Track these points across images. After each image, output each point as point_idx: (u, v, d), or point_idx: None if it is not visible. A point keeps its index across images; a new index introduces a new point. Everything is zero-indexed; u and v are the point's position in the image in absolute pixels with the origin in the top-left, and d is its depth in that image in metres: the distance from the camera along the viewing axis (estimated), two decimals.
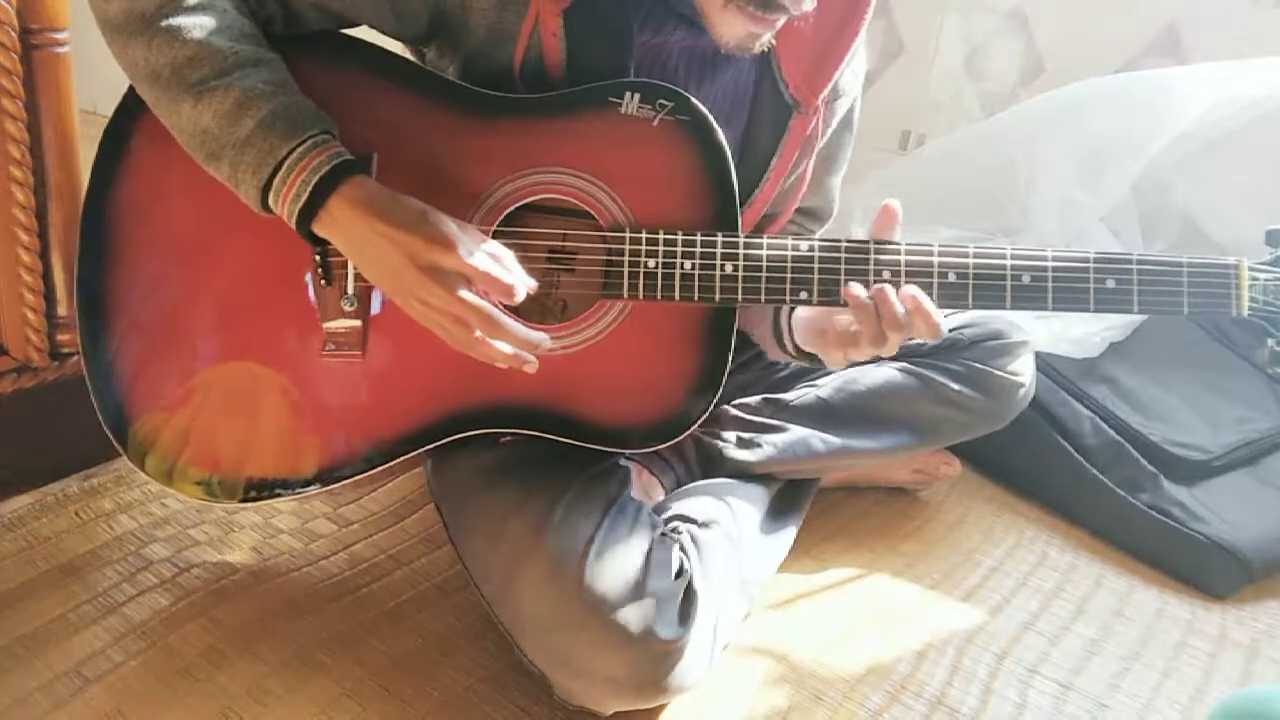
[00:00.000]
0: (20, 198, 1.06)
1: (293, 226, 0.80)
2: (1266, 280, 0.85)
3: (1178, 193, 1.62)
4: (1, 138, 1.04)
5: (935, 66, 1.98)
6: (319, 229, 0.80)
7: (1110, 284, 0.85)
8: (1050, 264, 0.85)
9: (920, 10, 1.98)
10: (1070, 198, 1.62)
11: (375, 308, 0.89)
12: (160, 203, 0.91)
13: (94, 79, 1.29)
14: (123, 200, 0.91)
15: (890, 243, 0.86)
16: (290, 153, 0.78)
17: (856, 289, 0.84)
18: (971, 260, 0.85)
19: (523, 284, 0.79)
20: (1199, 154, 1.56)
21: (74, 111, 1.09)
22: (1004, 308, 0.86)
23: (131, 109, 0.90)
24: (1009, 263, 0.85)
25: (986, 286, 0.85)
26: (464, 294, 0.78)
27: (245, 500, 0.91)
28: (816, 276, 0.86)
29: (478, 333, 0.80)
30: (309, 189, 0.78)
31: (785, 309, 1.00)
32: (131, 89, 0.90)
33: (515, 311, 0.88)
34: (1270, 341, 0.87)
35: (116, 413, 0.91)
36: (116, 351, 0.91)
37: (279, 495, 0.91)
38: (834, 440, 1.18)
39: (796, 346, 1.00)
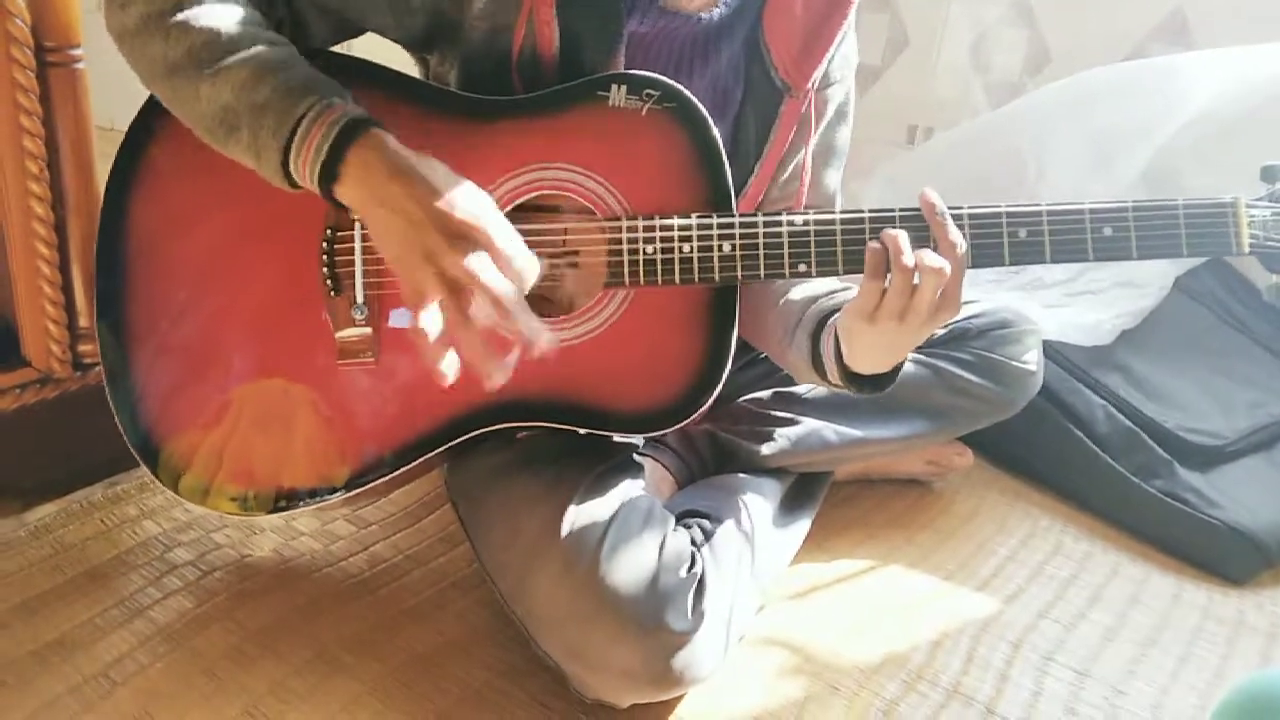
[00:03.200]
0: (39, 212, 1.09)
1: (315, 186, 0.78)
2: (1266, 216, 0.85)
3: (1188, 179, 1.61)
4: (20, 153, 1.06)
5: (941, 59, 1.98)
6: (341, 187, 0.77)
7: (1108, 231, 0.84)
8: (1045, 217, 0.85)
9: (924, 3, 1.98)
10: (1080, 187, 1.62)
11: (385, 314, 0.90)
12: (174, 228, 0.93)
13: (112, 97, 1.31)
14: (137, 227, 0.93)
15: (885, 210, 0.86)
16: (309, 110, 0.77)
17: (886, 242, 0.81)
18: (967, 220, 0.85)
19: (533, 270, 0.76)
20: (1208, 139, 1.56)
21: (91, 127, 1.12)
22: (1002, 264, 0.85)
23: (143, 131, 0.92)
24: (1005, 219, 0.85)
25: (983, 244, 0.85)
26: (487, 265, 0.73)
27: (275, 511, 0.93)
28: (814, 250, 0.86)
29: (475, 309, 0.72)
30: (329, 141, 0.76)
31: (825, 345, 0.95)
32: (143, 111, 0.92)
33: None
34: (1276, 277, 0.87)
35: (146, 438, 0.93)
36: (140, 380, 0.93)
37: (308, 504, 0.93)
38: (847, 431, 1.19)
39: (845, 374, 0.94)
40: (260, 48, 0.80)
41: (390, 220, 0.75)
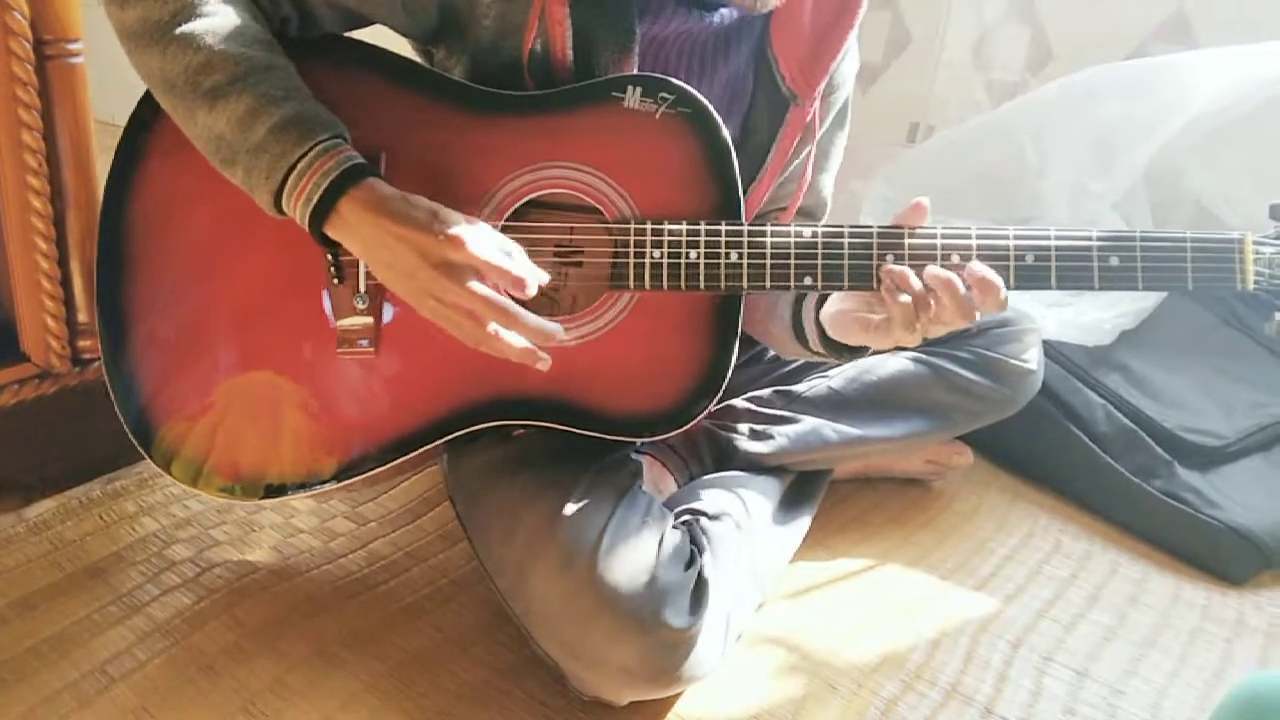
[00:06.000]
0: (38, 206, 1.08)
1: (304, 226, 0.81)
2: (1271, 254, 0.85)
3: (1190, 178, 1.61)
4: (18, 148, 1.06)
5: (942, 57, 1.97)
6: (331, 231, 0.81)
7: (1114, 261, 0.85)
8: (1053, 243, 0.85)
9: (926, 1, 1.97)
10: (1081, 186, 1.61)
11: (387, 304, 0.90)
12: (174, 213, 0.93)
13: (112, 91, 1.30)
14: (138, 211, 0.93)
15: (894, 228, 0.86)
16: (301, 158, 0.79)
17: (919, 276, 0.83)
18: (975, 242, 0.85)
19: (534, 277, 0.80)
20: (1210, 138, 1.55)
21: (89, 121, 1.11)
22: (1008, 288, 0.85)
23: (145, 121, 0.92)
24: (1012, 243, 0.85)
25: (990, 268, 0.85)
26: (476, 286, 0.79)
27: (264, 498, 0.93)
28: (820, 263, 0.86)
29: (491, 327, 0.80)
30: (319, 192, 0.79)
31: (807, 309, 1.00)
32: (143, 102, 0.91)
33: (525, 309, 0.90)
34: (1277, 315, 0.87)
35: (141, 420, 0.93)
36: (138, 361, 0.92)
37: (298, 493, 0.93)
38: (846, 430, 1.19)
39: (825, 340, 0.98)
40: (259, 76, 0.80)
41: (387, 271, 0.81)
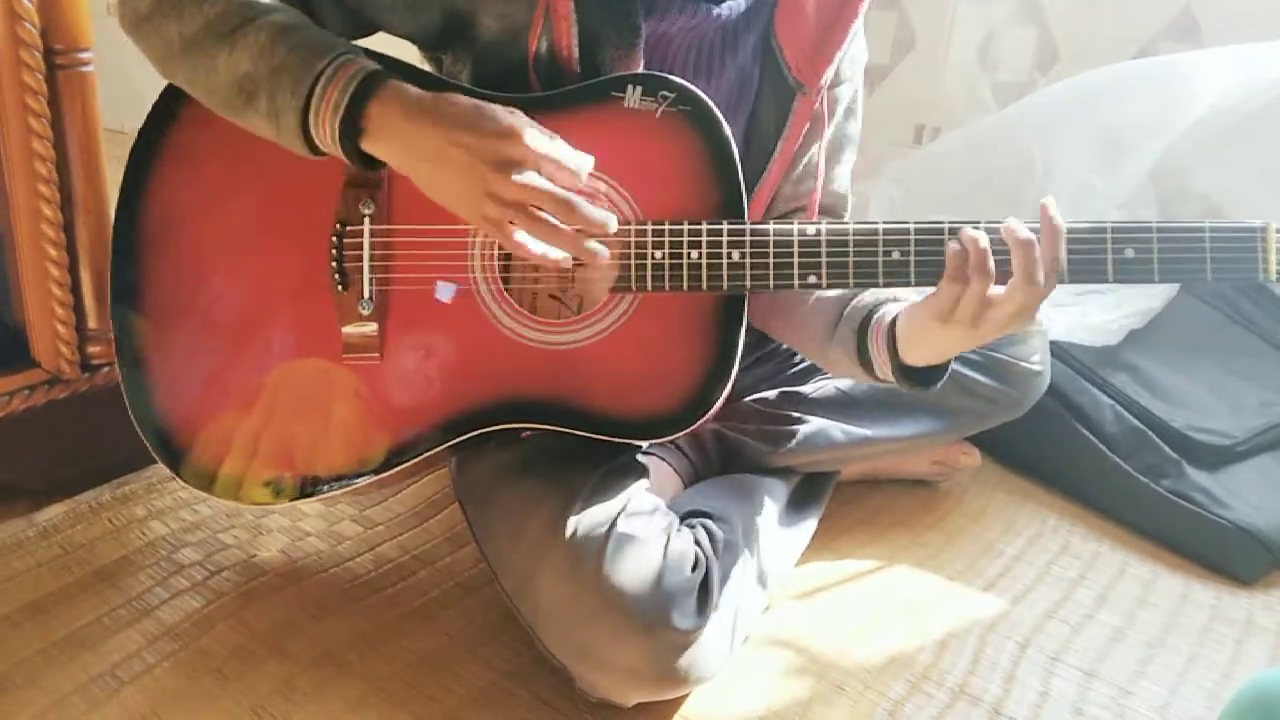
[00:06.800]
0: (48, 214, 1.09)
1: (338, 148, 0.80)
2: None
3: (1197, 177, 1.60)
4: (28, 155, 1.07)
5: (948, 58, 1.97)
6: (368, 145, 0.80)
7: (1129, 253, 0.82)
8: (1066, 235, 0.82)
9: (932, 1, 1.97)
10: (1088, 185, 1.61)
11: (391, 309, 0.91)
12: (185, 221, 0.93)
13: (121, 100, 1.32)
14: (152, 217, 0.93)
15: (899, 223, 0.85)
16: (326, 67, 0.78)
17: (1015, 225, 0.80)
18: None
19: (585, 162, 0.79)
20: (1217, 137, 1.55)
21: (99, 129, 1.12)
22: None
23: (157, 126, 0.93)
24: None
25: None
26: (534, 179, 0.76)
27: (301, 497, 0.92)
28: (824, 260, 0.86)
29: (544, 217, 0.77)
30: (348, 95, 0.78)
31: (873, 336, 0.93)
32: (157, 106, 0.92)
33: (532, 312, 0.90)
34: None
35: (168, 440, 0.92)
36: (158, 379, 0.92)
37: (307, 498, 0.93)
38: (854, 430, 1.18)
39: (901, 367, 0.91)
40: (275, 15, 0.81)
41: (436, 172, 0.78)
